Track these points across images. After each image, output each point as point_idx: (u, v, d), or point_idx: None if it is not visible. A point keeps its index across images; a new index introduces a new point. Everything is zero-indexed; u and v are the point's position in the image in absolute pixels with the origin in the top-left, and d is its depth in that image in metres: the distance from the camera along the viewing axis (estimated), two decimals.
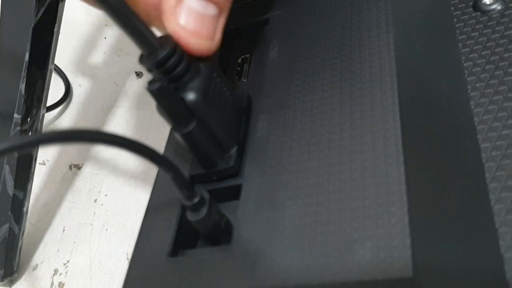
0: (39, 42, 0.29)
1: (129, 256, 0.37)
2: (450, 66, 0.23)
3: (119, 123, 0.44)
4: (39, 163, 0.43)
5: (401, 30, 0.22)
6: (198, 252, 0.19)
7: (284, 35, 0.25)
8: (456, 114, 0.21)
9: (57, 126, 0.45)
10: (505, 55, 0.22)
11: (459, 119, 0.21)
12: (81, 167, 0.43)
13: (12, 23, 0.28)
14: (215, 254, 0.18)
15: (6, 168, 0.30)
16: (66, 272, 0.37)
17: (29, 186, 0.32)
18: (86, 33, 0.51)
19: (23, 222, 0.33)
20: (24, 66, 0.28)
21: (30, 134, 0.29)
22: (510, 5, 0.24)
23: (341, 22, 0.24)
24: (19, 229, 0.32)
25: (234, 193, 0.21)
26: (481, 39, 0.24)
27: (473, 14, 0.25)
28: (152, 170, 0.40)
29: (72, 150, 0.44)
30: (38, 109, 0.30)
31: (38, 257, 0.38)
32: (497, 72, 0.22)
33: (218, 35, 0.20)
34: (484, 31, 0.24)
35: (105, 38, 0.50)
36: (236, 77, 0.26)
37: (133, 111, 0.45)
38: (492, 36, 0.23)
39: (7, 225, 0.31)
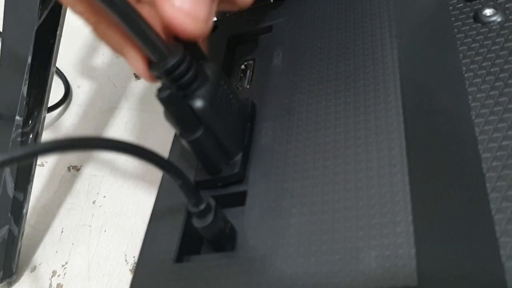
0: (42, 45, 0.29)
1: (127, 258, 0.37)
2: (451, 77, 0.23)
3: (118, 125, 0.44)
4: (38, 165, 0.43)
5: (404, 40, 0.23)
6: (203, 259, 0.20)
7: (288, 43, 0.26)
8: (457, 124, 0.21)
9: (57, 127, 0.45)
10: (505, 67, 0.23)
11: (460, 130, 0.21)
12: (79, 169, 0.43)
13: (15, 26, 0.28)
14: (221, 261, 0.18)
15: (7, 170, 0.30)
16: (65, 273, 0.38)
17: (29, 188, 0.32)
18: (85, 35, 0.51)
19: (23, 224, 0.33)
20: (27, 69, 0.28)
21: (30, 143, 0.29)
22: (510, 17, 0.25)
23: (344, 31, 0.24)
24: (19, 231, 0.32)
25: (239, 200, 0.21)
26: (481, 50, 0.24)
27: (474, 25, 0.25)
28: (150, 172, 0.40)
29: None
30: (40, 111, 0.30)
31: (36, 259, 0.38)
32: (497, 83, 0.22)
33: (211, 20, 0.20)
34: (485, 43, 0.24)
35: None
36: (239, 83, 0.26)
37: (132, 113, 0.45)
38: (493, 48, 0.24)
39: (6, 226, 0.31)
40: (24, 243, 0.36)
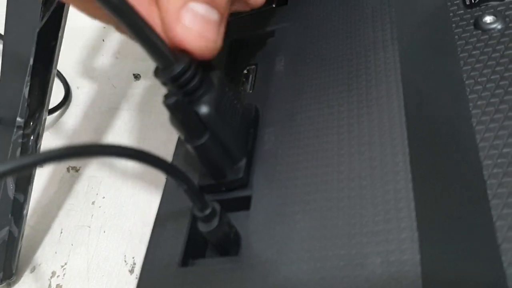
0: (43, 46, 0.29)
1: (127, 258, 0.37)
2: (452, 84, 0.24)
3: (117, 126, 0.44)
4: None
5: (406, 46, 0.23)
6: (208, 263, 0.20)
7: (291, 48, 0.26)
8: (459, 131, 0.22)
9: (57, 129, 0.45)
10: (506, 74, 0.23)
11: (461, 136, 0.22)
12: (79, 170, 0.43)
13: (17, 28, 0.28)
14: (226, 265, 0.19)
15: None
16: (64, 274, 0.38)
17: (29, 189, 0.32)
18: (84, 36, 0.51)
19: (23, 225, 0.33)
20: (28, 71, 0.28)
21: (37, 151, 0.29)
22: (510, 25, 0.25)
23: (346, 38, 0.24)
24: (19, 232, 0.32)
25: (242, 204, 0.21)
26: (482, 57, 0.24)
27: (474, 32, 0.25)
28: (149, 173, 0.40)
29: None
30: (41, 113, 0.30)
31: (36, 259, 0.38)
32: (498, 91, 0.23)
33: (220, 41, 0.20)
34: (485, 50, 0.24)
35: (103, 40, 0.50)
36: (242, 88, 0.26)
37: (132, 113, 0.45)
38: (493, 55, 0.24)
39: (7, 228, 0.31)
40: (23, 244, 0.36)
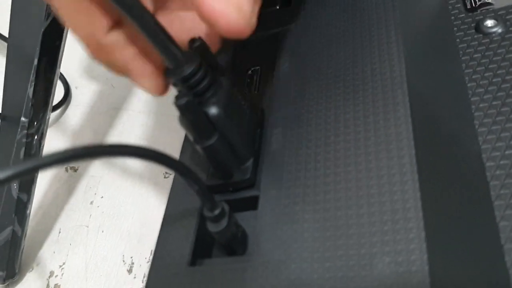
0: (48, 46, 0.29)
1: (125, 258, 0.37)
2: (455, 86, 0.24)
3: (116, 126, 0.44)
4: None
5: (410, 48, 0.23)
6: (216, 262, 0.20)
7: (295, 49, 0.26)
8: (462, 133, 0.22)
9: (56, 128, 0.45)
10: (507, 77, 0.23)
11: (464, 138, 0.22)
12: (77, 169, 0.43)
13: (22, 28, 0.28)
14: (235, 265, 0.19)
15: None
16: (62, 274, 0.38)
17: (33, 189, 0.32)
18: None
19: (26, 224, 0.33)
20: (33, 71, 0.29)
21: (41, 155, 0.29)
22: (511, 28, 0.25)
23: (351, 39, 0.25)
24: (22, 231, 0.32)
25: (250, 204, 0.21)
26: (483, 60, 0.25)
27: (476, 36, 0.26)
28: (148, 172, 0.41)
29: None
30: (45, 112, 0.30)
31: (34, 259, 0.38)
32: (499, 94, 0.23)
33: (255, 20, 0.19)
34: (486, 53, 0.25)
35: None
36: (246, 89, 0.27)
37: (130, 113, 0.45)
38: (494, 59, 0.24)
39: (10, 227, 0.31)
40: None
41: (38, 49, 0.28)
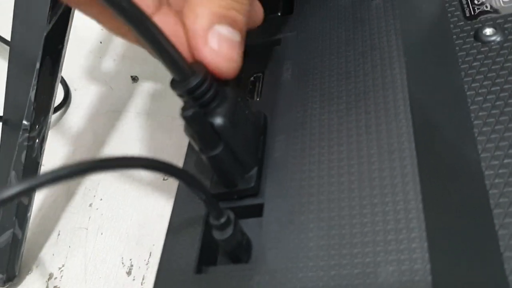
0: (50, 50, 0.29)
1: (124, 260, 0.37)
2: (454, 94, 0.24)
3: (115, 127, 0.44)
4: None
5: (411, 56, 0.24)
6: (222, 270, 0.20)
7: (297, 56, 0.26)
8: (461, 141, 0.22)
9: (55, 131, 0.45)
10: (506, 86, 0.24)
11: (463, 147, 0.22)
12: None
13: (24, 32, 0.28)
14: (242, 272, 0.19)
15: (13, 173, 0.30)
16: (61, 276, 0.38)
17: (34, 192, 0.32)
18: (82, 38, 0.51)
19: (27, 227, 0.33)
20: (35, 74, 0.29)
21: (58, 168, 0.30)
22: (509, 37, 0.26)
23: (353, 47, 0.25)
24: (23, 234, 0.32)
25: (254, 212, 0.22)
26: (482, 69, 0.25)
27: (475, 44, 0.26)
28: (146, 175, 0.41)
29: (66, 153, 0.44)
30: (46, 116, 0.30)
31: (33, 262, 0.38)
32: (498, 102, 0.23)
33: (241, 60, 0.21)
34: (485, 62, 0.25)
35: (100, 42, 0.50)
36: (249, 95, 0.27)
37: (129, 116, 0.45)
38: (493, 67, 0.25)
39: (11, 230, 0.31)
40: None
41: (40, 52, 0.28)
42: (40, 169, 0.33)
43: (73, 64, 0.49)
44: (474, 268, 0.18)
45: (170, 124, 0.42)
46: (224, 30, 0.20)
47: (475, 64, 0.25)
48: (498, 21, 0.26)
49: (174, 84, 0.19)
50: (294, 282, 0.18)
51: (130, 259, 0.37)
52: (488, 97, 0.24)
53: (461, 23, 0.27)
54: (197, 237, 0.21)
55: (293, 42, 0.27)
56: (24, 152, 0.30)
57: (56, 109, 0.44)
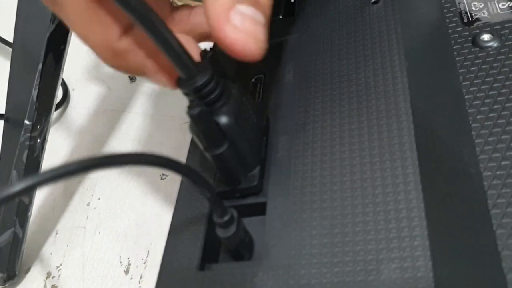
0: (53, 51, 0.29)
1: (122, 259, 0.38)
2: (453, 98, 0.25)
3: (112, 127, 0.45)
4: None
5: (411, 60, 0.24)
6: (225, 267, 0.21)
7: (299, 59, 0.27)
8: (460, 143, 0.23)
9: (56, 129, 0.45)
10: (503, 91, 0.24)
11: (462, 149, 0.23)
12: None
13: (27, 32, 0.29)
14: (244, 269, 0.20)
15: (14, 173, 0.30)
16: (59, 275, 0.38)
17: (34, 191, 0.32)
18: None
19: (27, 226, 0.33)
20: (38, 74, 0.29)
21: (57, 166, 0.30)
22: (506, 43, 0.26)
23: (354, 51, 0.25)
24: (23, 234, 0.32)
25: (256, 210, 0.22)
26: (480, 73, 0.26)
27: (472, 49, 0.27)
28: (144, 174, 0.41)
29: (65, 152, 0.44)
30: (48, 115, 0.31)
31: (31, 260, 0.38)
32: (496, 106, 0.24)
33: (266, 43, 0.20)
34: (483, 67, 0.26)
35: None
36: (250, 96, 0.27)
37: (127, 115, 0.45)
38: (490, 72, 0.25)
39: (11, 229, 0.31)
40: None
41: (43, 52, 0.28)
42: (40, 168, 0.33)
43: (72, 64, 0.49)
44: (473, 266, 0.19)
45: (166, 122, 0.42)
46: (247, 10, 0.19)
47: (473, 68, 0.26)
48: (495, 27, 0.27)
49: (181, 83, 0.20)
50: (297, 279, 0.18)
51: (128, 258, 0.37)
52: (485, 100, 0.25)
53: (459, 29, 0.28)
54: (200, 235, 0.21)
55: (294, 44, 0.27)
56: (26, 152, 0.30)
57: (55, 108, 0.44)
